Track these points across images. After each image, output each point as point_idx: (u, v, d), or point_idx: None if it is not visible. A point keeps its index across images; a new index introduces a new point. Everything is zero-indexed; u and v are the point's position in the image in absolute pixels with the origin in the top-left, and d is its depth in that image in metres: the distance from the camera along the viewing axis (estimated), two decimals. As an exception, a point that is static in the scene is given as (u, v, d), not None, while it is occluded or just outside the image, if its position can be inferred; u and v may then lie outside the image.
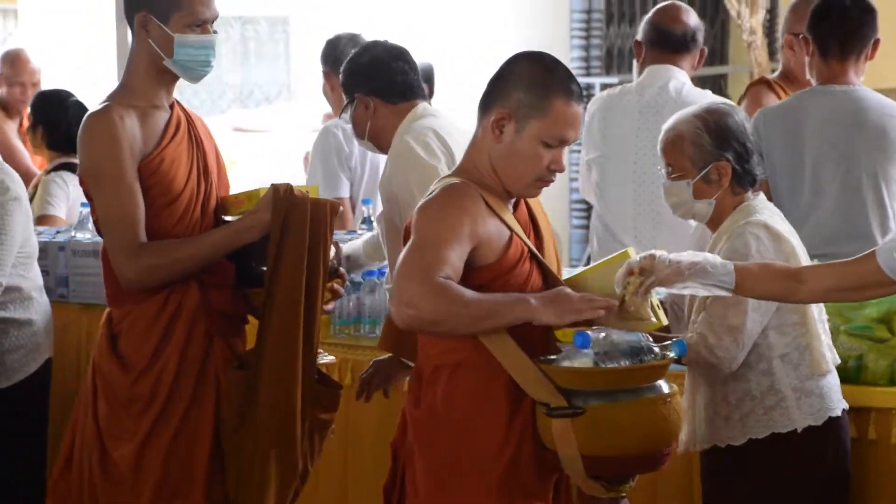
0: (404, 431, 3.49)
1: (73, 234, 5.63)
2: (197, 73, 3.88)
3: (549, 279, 3.46)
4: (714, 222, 3.83)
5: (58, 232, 5.75)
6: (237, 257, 3.90)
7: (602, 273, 3.52)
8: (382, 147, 4.46)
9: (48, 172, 6.51)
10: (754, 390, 3.74)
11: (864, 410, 4.09)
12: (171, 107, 3.93)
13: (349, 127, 5.38)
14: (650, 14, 5.28)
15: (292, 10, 12.41)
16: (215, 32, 3.88)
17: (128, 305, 3.87)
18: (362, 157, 5.79)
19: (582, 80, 11.35)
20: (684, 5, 5.40)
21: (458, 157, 4.36)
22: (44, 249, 5.48)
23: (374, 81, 4.43)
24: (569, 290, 3.33)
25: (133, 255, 3.76)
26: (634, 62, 5.38)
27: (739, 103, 5.47)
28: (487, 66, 12.29)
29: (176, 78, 3.91)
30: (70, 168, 6.48)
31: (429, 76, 8.66)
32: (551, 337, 3.39)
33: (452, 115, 4.62)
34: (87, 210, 5.74)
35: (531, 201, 3.58)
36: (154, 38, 3.84)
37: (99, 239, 5.47)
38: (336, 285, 3.98)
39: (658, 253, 3.45)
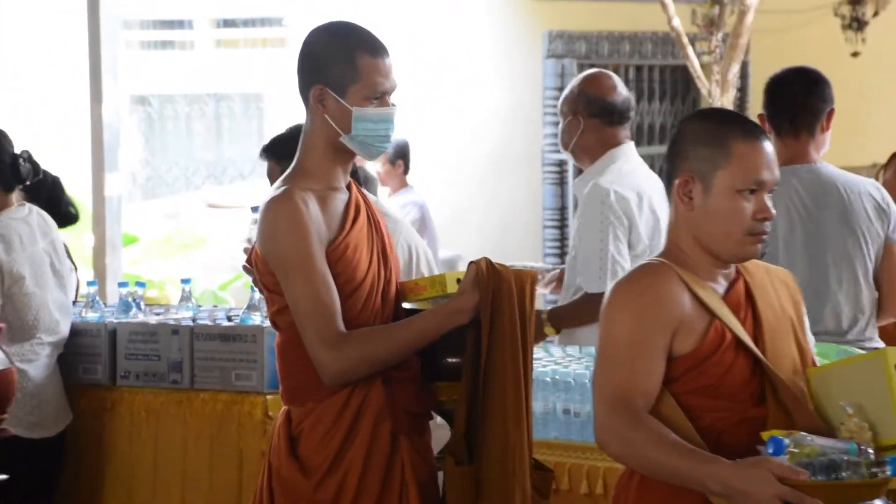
0: None
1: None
2: (375, 149, 3.57)
3: (761, 371, 3.12)
4: None
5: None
6: (425, 349, 3.60)
7: (850, 373, 3.13)
8: None
9: None
10: None
11: None
12: (349, 187, 3.63)
13: None
14: (582, 84, 5.02)
15: (266, 88, 12.46)
16: (393, 105, 3.58)
17: (308, 404, 3.55)
18: None
19: (555, 157, 11.41)
20: (609, 72, 5.15)
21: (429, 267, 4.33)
22: None
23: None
24: (769, 473, 2.89)
25: (335, 348, 3.44)
26: (561, 130, 5.05)
27: (880, 173, 5.38)
28: (462, 141, 12.38)
29: (351, 156, 3.60)
30: None
31: (404, 152, 8.71)
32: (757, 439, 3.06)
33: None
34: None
35: (757, 280, 3.22)
36: (330, 113, 3.53)
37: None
38: None
39: None
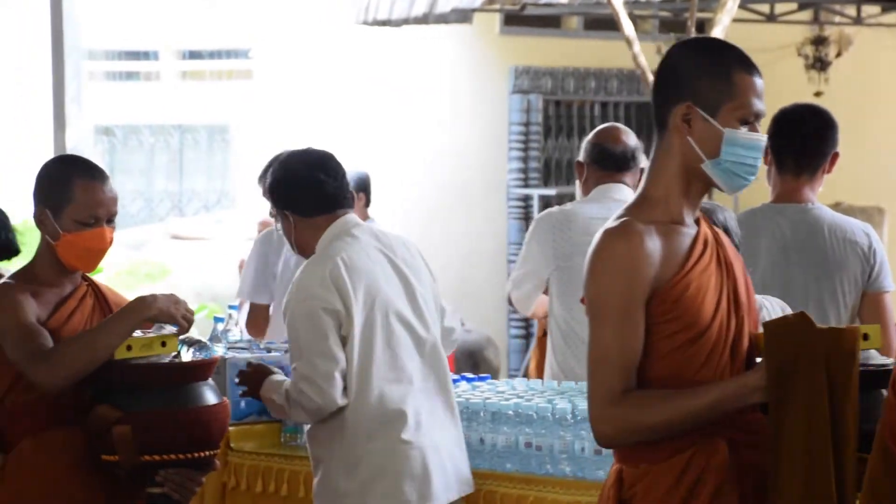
0: None
1: None
2: (738, 181, 3.17)
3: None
4: None
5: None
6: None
7: None
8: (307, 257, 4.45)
9: None
10: None
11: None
12: (697, 222, 3.22)
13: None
14: (591, 135, 5.41)
15: (231, 119, 12.45)
16: (764, 134, 3.23)
17: (642, 465, 3.15)
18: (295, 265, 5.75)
19: (520, 192, 11.43)
20: (623, 126, 5.51)
21: (354, 290, 4.27)
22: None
23: (288, 197, 4.42)
24: None
25: (613, 405, 3.08)
26: (577, 182, 5.49)
27: None
28: (427, 174, 12.35)
29: (705, 189, 3.21)
30: None
31: (365, 185, 8.70)
32: None
33: (378, 227, 4.58)
34: None
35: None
36: (696, 135, 3.15)
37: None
38: None
39: None
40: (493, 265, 11.43)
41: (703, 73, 3.15)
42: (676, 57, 3.21)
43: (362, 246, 4.38)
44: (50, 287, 3.98)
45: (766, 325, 3.07)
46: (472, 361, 9.54)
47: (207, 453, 3.88)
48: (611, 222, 3.16)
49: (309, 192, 4.39)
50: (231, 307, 5.44)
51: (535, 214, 11.49)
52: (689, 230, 3.19)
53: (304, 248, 4.42)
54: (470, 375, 5.11)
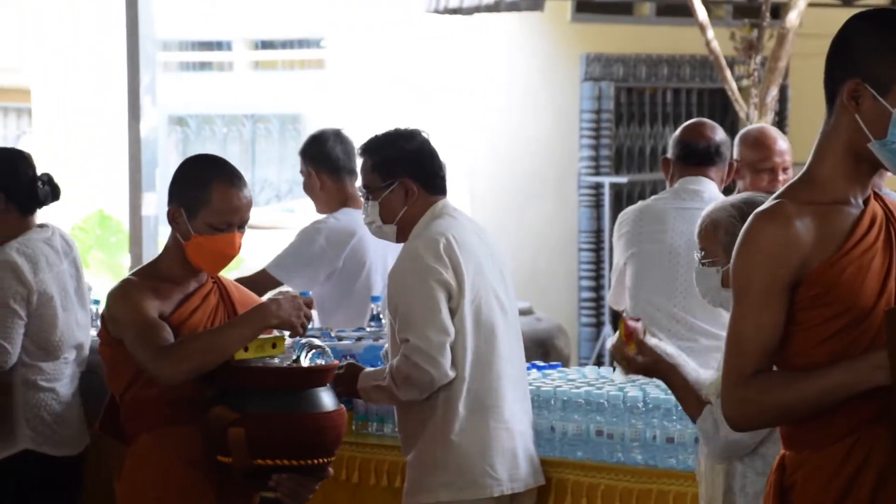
0: None
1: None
2: None
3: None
4: None
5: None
6: None
7: None
8: (404, 235, 4.45)
9: None
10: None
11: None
12: (866, 202, 3.07)
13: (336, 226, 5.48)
14: (677, 132, 5.47)
15: (303, 109, 12.50)
16: None
17: (805, 452, 3.05)
18: (356, 255, 5.65)
19: (591, 180, 11.38)
20: (710, 122, 5.51)
21: (465, 266, 4.34)
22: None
23: (424, 170, 4.44)
24: None
25: (741, 387, 2.99)
26: (667, 182, 5.50)
27: None
28: (498, 162, 12.29)
29: (874, 169, 3.06)
30: None
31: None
32: None
33: (468, 216, 4.62)
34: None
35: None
36: (864, 114, 2.99)
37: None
38: None
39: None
40: (563, 253, 11.39)
41: (877, 49, 2.98)
42: (852, 29, 3.04)
43: (463, 226, 4.44)
44: (174, 283, 4.01)
45: (888, 311, 2.90)
46: (542, 350, 9.53)
47: (321, 461, 3.86)
48: (765, 203, 3.02)
49: (436, 169, 4.47)
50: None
51: (607, 202, 11.48)
52: (853, 209, 3.03)
53: (405, 224, 4.43)
54: (540, 363, 5.10)
